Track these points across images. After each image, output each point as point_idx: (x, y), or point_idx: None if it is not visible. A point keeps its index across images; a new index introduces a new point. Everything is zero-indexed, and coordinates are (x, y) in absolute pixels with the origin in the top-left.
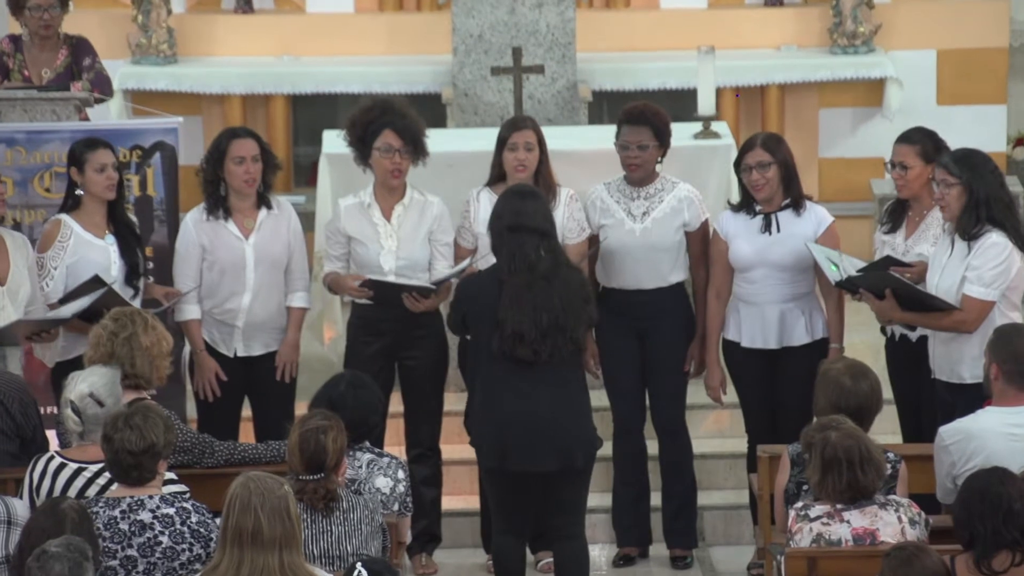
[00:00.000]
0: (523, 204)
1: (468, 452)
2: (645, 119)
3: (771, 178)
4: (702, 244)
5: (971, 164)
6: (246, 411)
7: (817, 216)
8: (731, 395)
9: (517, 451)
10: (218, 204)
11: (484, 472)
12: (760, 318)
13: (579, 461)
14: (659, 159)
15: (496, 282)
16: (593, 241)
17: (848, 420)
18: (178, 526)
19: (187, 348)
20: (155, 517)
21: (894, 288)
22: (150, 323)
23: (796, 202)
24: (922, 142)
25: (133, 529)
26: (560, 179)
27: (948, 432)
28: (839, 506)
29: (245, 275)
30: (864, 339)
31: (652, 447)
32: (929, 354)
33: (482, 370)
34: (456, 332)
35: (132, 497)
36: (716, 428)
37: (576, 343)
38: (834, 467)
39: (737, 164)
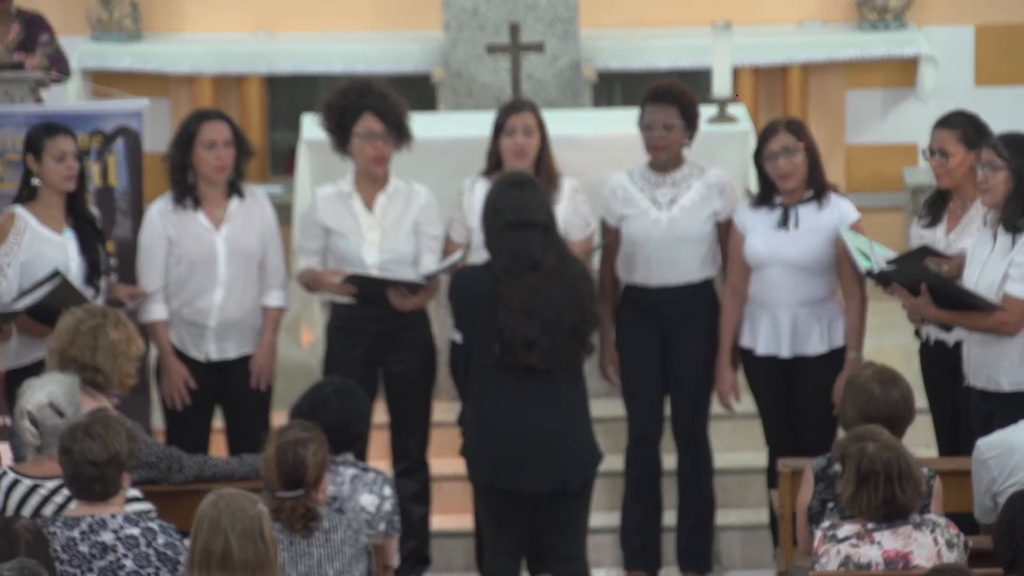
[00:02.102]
0: (522, 195)
1: (460, 467)
2: (671, 97)
3: (799, 164)
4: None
5: (1022, 147)
6: (218, 421)
7: (841, 211)
8: (747, 404)
9: (508, 469)
10: (186, 193)
11: (475, 489)
12: (772, 322)
13: (574, 484)
14: (686, 142)
15: (491, 280)
16: (606, 232)
17: (886, 431)
18: (143, 548)
19: (154, 353)
20: (118, 538)
21: (930, 284)
22: (122, 321)
23: (819, 194)
24: (964, 127)
25: (94, 551)
26: (561, 167)
27: (987, 445)
28: (870, 526)
29: (216, 269)
30: (896, 343)
31: (668, 461)
32: (963, 359)
33: (473, 378)
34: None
35: (93, 516)
36: (733, 440)
37: (590, 348)
38: (870, 481)
39: (758, 154)
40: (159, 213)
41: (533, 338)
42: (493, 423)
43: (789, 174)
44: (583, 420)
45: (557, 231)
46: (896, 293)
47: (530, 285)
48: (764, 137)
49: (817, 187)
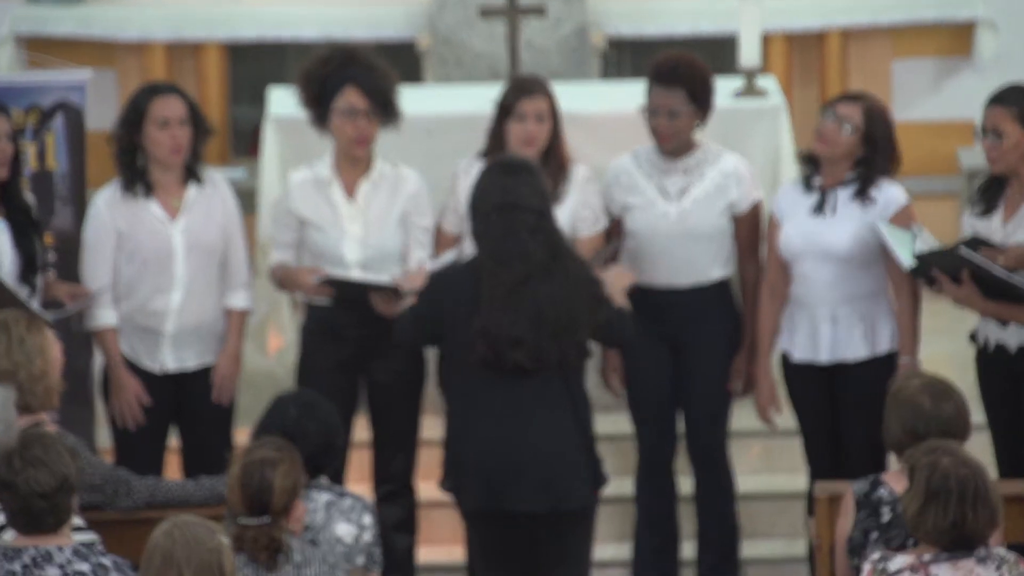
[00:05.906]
0: (514, 180)
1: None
2: (677, 78)
3: (843, 142)
4: (752, 230)
5: None
6: (173, 440)
7: (886, 196)
8: (783, 419)
9: (499, 489)
10: (135, 179)
11: (464, 516)
12: (809, 323)
13: (576, 502)
14: (698, 123)
15: (474, 277)
16: (616, 232)
17: (962, 447)
18: None
19: (101, 364)
20: (65, 574)
21: (971, 271)
22: (15, 337)
23: (865, 177)
24: (1020, 103)
25: None
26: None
27: None
28: (926, 557)
29: (173, 267)
30: (947, 349)
31: (684, 485)
32: None
33: (456, 388)
34: (407, 339)
35: (37, 548)
36: (763, 461)
37: (585, 351)
38: (940, 499)
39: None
40: (106, 203)
41: (520, 335)
42: (478, 437)
43: (825, 139)
44: (582, 432)
45: (552, 222)
46: (939, 281)
47: (519, 277)
48: (832, 101)
49: (866, 169)
